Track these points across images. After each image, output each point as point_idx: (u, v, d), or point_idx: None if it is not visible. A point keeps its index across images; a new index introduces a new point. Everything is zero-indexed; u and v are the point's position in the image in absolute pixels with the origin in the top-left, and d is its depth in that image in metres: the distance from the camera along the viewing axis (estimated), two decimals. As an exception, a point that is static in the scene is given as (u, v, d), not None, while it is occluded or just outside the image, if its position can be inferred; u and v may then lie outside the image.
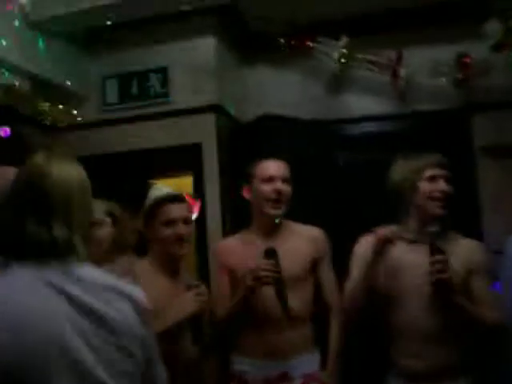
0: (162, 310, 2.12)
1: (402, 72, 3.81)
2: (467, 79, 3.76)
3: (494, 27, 3.34)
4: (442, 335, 2.22)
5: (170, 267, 2.40)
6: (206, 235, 3.70)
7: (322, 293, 2.59)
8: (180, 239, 2.34)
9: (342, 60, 3.90)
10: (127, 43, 3.97)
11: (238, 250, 2.56)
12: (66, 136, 3.91)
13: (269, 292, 2.42)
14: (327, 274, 2.60)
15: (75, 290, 1.28)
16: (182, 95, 3.87)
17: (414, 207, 2.35)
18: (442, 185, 2.28)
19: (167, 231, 2.34)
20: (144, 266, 2.38)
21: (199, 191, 3.75)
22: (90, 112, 4.03)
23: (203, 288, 2.31)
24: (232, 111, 4.03)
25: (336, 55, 3.89)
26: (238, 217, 3.65)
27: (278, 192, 2.47)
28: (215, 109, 3.80)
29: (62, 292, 1.26)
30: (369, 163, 3.97)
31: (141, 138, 3.86)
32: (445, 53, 3.87)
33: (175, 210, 2.37)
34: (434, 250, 2.12)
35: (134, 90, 3.94)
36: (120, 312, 1.33)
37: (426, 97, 4.06)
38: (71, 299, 1.26)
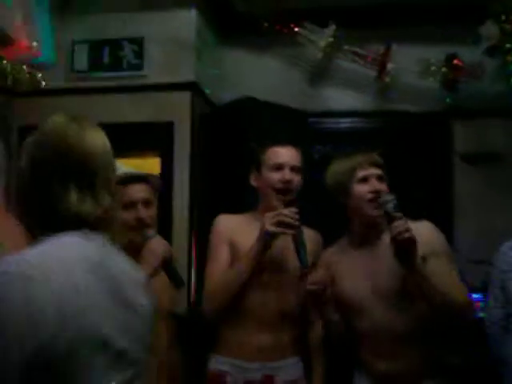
0: None
1: (389, 66, 3.67)
2: (455, 82, 3.66)
3: (489, 30, 3.22)
4: (411, 335, 2.10)
5: (131, 255, 2.19)
6: (172, 224, 3.50)
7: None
8: (140, 223, 2.14)
9: (328, 49, 3.74)
10: (102, 7, 3.73)
11: (243, 227, 2.31)
12: (28, 102, 3.66)
13: (263, 284, 2.23)
14: None
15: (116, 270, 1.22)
16: (157, 69, 3.65)
17: (352, 211, 2.23)
18: (375, 184, 2.15)
19: (126, 215, 2.14)
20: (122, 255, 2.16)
21: (167, 174, 3.54)
22: (56, 78, 3.74)
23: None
24: (208, 91, 3.83)
25: (322, 43, 3.74)
26: (207, 206, 3.46)
27: (287, 181, 2.26)
28: (191, 87, 3.61)
29: (104, 274, 1.18)
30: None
31: (108, 111, 3.61)
32: (435, 53, 3.78)
33: (135, 192, 2.16)
34: (390, 218, 1.98)
35: (106, 58, 3.71)
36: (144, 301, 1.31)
37: (409, 97, 3.98)
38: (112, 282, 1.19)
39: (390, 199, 2.04)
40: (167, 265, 2.03)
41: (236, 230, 2.30)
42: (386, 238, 2.12)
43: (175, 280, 2.05)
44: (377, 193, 2.12)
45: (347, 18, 3.81)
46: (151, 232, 2.11)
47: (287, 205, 2.17)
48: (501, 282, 2.59)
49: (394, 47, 3.73)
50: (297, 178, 2.29)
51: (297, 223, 2.11)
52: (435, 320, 2.12)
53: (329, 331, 2.31)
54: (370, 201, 2.12)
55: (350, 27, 3.80)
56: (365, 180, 2.16)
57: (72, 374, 1.05)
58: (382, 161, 2.23)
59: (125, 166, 2.27)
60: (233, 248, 2.29)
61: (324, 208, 3.75)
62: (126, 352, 1.18)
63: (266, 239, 2.13)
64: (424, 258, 2.03)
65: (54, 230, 1.16)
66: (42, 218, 1.19)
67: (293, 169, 2.28)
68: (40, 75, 3.23)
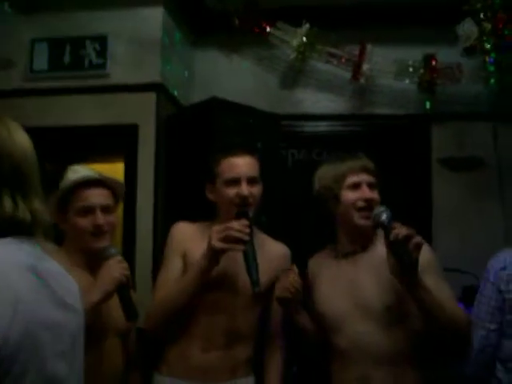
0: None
1: (365, 67, 3.52)
2: (433, 84, 3.53)
3: (467, 29, 3.09)
4: (395, 355, 1.93)
5: (88, 262, 2.05)
6: (135, 233, 3.31)
7: (268, 316, 2.22)
8: (98, 230, 2.00)
9: (301, 49, 3.59)
10: (63, 4, 3.54)
11: (198, 236, 2.12)
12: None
13: (209, 297, 2.05)
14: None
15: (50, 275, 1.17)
16: (121, 69, 3.47)
17: (340, 219, 2.09)
18: (366, 192, 2.00)
19: (82, 221, 2.00)
20: (59, 261, 1.98)
21: (131, 180, 3.35)
22: (14, 78, 3.57)
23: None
24: (175, 93, 3.66)
25: (295, 43, 3.58)
26: (173, 211, 3.27)
27: (242, 198, 2.05)
28: (157, 88, 3.43)
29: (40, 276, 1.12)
30: (318, 164, 3.72)
31: (69, 113, 3.44)
32: (412, 54, 3.66)
33: (93, 196, 2.02)
34: (387, 230, 1.83)
35: (67, 57, 3.50)
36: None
37: (386, 99, 3.87)
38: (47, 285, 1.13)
39: (382, 211, 1.90)
40: (121, 292, 1.90)
41: (191, 240, 2.11)
42: (375, 250, 1.99)
43: (127, 311, 1.91)
44: (367, 201, 1.98)
45: (321, 18, 3.67)
46: (113, 250, 1.98)
47: (237, 217, 1.99)
48: (500, 302, 2.23)
49: (370, 48, 3.60)
50: (255, 190, 2.10)
51: (247, 238, 1.92)
52: (428, 340, 1.96)
53: (301, 341, 2.16)
54: (360, 209, 1.98)
55: (324, 27, 3.65)
56: (355, 187, 2.01)
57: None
58: (375, 166, 2.07)
59: (85, 168, 2.11)
60: (185, 259, 2.11)
61: (299, 216, 3.66)
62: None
63: (213, 256, 1.94)
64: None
65: None
66: None
67: (250, 180, 2.08)
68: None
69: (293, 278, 1.96)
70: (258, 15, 3.71)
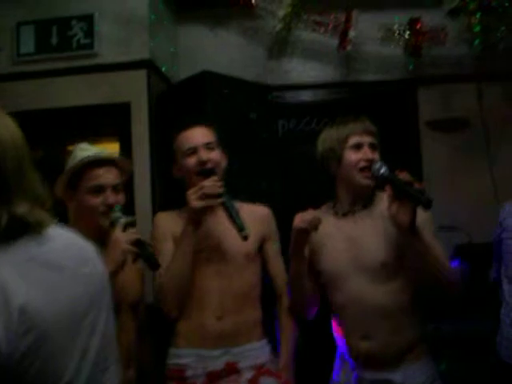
0: None
1: (351, 34, 3.55)
2: (418, 47, 3.56)
3: (451, -11, 3.13)
4: (394, 310, 2.00)
5: (96, 241, 2.04)
6: (134, 210, 3.30)
7: (270, 275, 2.31)
8: (109, 209, 2.00)
9: (287, 19, 3.60)
10: (47, -16, 3.50)
11: (181, 222, 2.16)
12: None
13: (210, 267, 2.14)
14: (275, 255, 2.32)
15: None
16: (109, 48, 3.46)
17: (341, 179, 2.14)
18: (367, 153, 2.05)
19: (94, 200, 2.00)
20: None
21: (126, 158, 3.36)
22: (2, 63, 3.55)
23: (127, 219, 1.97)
24: (164, 69, 3.66)
25: (280, 13, 3.58)
26: (170, 189, 3.30)
27: (203, 162, 2.13)
28: (146, 65, 3.43)
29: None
30: (308, 133, 3.76)
31: (59, 95, 3.43)
32: (396, 18, 3.66)
33: (104, 176, 2.02)
34: (389, 181, 1.89)
35: (54, 39, 3.49)
36: None
37: (373, 65, 3.89)
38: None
39: (380, 165, 1.96)
40: (139, 248, 1.89)
41: (176, 225, 2.15)
42: (374, 209, 2.04)
43: (150, 264, 1.92)
44: (369, 161, 2.02)
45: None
46: (117, 214, 1.98)
47: (206, 175, 2.06)
48: None
49: (355, 14, 3.61)
50: (214, 155, 2.17)
51: (220, 190, 2.01)
52: (422, 292, 2.03)
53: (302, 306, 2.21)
54: (362, 169, 2.03)
55: (308, -6, 3.65)
56: (357, 147, 2.06)
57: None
58: (376, 128, 2.12)
59: (93, 146, 2.13)
60: (176, 242, 2.16)
61: (292, 184, 3.72)
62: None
63: (194, 217, 2.03)
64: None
65: None
66: None
67: (207, 147, 2.16)
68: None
69: (312, 213, 2.02)
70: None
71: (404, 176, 1.83)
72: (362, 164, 2.03)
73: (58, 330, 1.02)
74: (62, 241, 1.15)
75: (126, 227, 1.92)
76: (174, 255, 2.08)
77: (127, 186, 3.26)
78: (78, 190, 2.03)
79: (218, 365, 2.09)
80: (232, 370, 2.09)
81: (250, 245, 2.17)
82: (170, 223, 2.21)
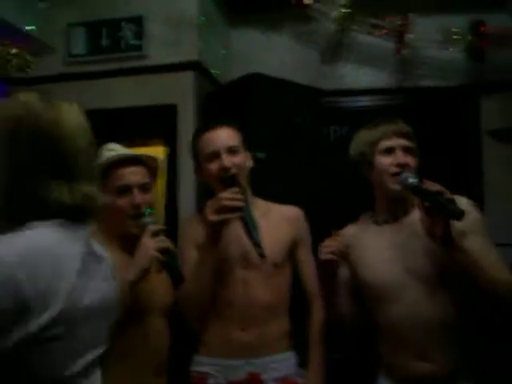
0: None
1: (408, 38, 3.38)
2: (482, 52, 3.36)
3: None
4: (448, 325, 1.85)
5: (124, 243, 2.00)
6: (177, 216, 3.27)
7: (301, 282, 2.20)
8: (137, 210, 1.94)
9: (341, 21, 3.47)
10: (97, -14, 3.52)
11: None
12: (26, 90, 3.46)
13: (236, 275, 2.05)
14: (307, 260, 2.20)
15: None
16: (158, 49, 3.43)
17: (375, 185, 2.02)
18: (399, 157, 1.91)
19: (120, 200, 1.95)
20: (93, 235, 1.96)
21: (171, 162, 3.32)
22: (53, 64, 3.57)
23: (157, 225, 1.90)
24: (213, 71, 3.60)
25: (335, 15, 3.46)
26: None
27: (226, 169, 2.01)
28: (194, 66, 3.38)
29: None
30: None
31: (108, 96, 3.43)
32: (458, 20, 3.48)
33: (129, 175, 1.97)
34: (417, 191, 1.77)
35: (104, 40, 3.49)
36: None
37: (431, 70, 3.70)
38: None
39: (408, 174, 1.83)
40: (165, 257, 1.81)
41: (201, 231, 2.02)
42: (416, 214, 1.87)
43: (172, 277, 1.84)
44: (401, 166, 1.89)
45: (362, -13, 3.54)
46: (148, 219, 1.90)
47: (226, 185, 1.94)
48: None
49: (413, 16, 3.44)
50: (238, 159, 2.04)
51: (240, 204, 1.87)
52: (476, 307, 1.87)
53: (339, 324, 2.08)
54: (394, 175, 1.90)
55: (364, -4, 3.52)
56: (389, 151, 1.93)
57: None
58: (411, 130, 1.98)
59: (120, 146, 2.07)
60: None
61: (340, 189, 3.57)
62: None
63: (213, 231, 1.91)
64: (462, 234, 1.78)
65: (32, 218, 1.10)
66: (20, 207, 1.12)
67: (230, 150, 2.03)
68: (31, 59, 3.03)
69: (338, 240, 1.91)
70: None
71: (433, 186, 1.69)
72: (394, 169, 1.90)
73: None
74: None
75: (155, 234, 1.85)
76: (194, 269, 1.98)
77: (171, 190, 3.27)
78: (104, 191, 1.97)
79: (239, 375, 2.02)
80: (255, 380, 2.01)
81: (278, 251, 2.07)
82: (194, 229, 2.11)
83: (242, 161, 2.06)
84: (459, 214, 1.61)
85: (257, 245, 1.88)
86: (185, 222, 2.24)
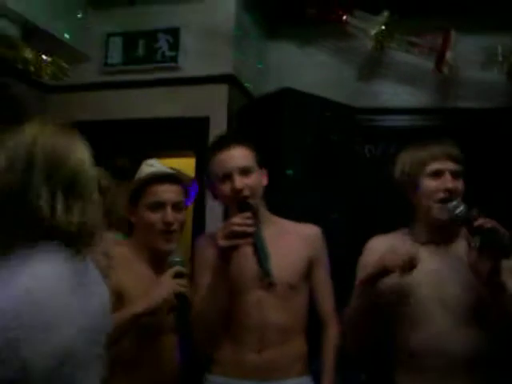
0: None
1: (449, 56, 3.29)
2: (524, 73, 3.25)
3: None
4: (472, 358, 1.75)
5: (153, 259, 2.01)
6: (205, 229, 3.24)
7: (316, 303, 2.12)
8: (167, 227, 1.95)
9: (380, 38, 3.40)
10: (136, -2, 3.55)
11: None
12: (62, 97, 3.54)
13: (250, 296, 1.98)
14: (323, 280, 2.12)
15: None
16: (193, 61, 3.43)
17: (419, 208, 1.93)
18: (448, 181, 1.82)
19: (153, 216, 1.96)
20: (121, 248, 2.00)
21: (201, 175, 3.27)
22: (89, 72, 3.61)
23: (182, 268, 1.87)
24: (248, 85, 3.58)
25: (373, 32, 3.40)
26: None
27: (238, 191, 1.95)
28: (229, 79, 3.37)
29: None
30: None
31: (142, 106, 3.45)
32: (501, 40, 3.38)
33: (165, 192, 1.98)
34: (465, 222, 1.68)
35: (140, 51, 3.51)
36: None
37: (472, 91, 3.59)
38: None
39: (457, 204, 1.75)
40: (179, 303, 1.80)
41: (213, 254, 1.96)
42: (459, 244, 1.80)
43: (178, 322, 1.87)
44: (450, 192, 1.81)
45: (401, 4, 3.44)
46: (177, 258, 1.89)
47: (240, 209, 1.89)
48: None
49: (454, 35, 3.35)
50: (251, 180, 1.98)
51: (250, 230, 1.81)
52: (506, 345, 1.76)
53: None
54: (441, 201, 1.81)
55: (404, 14, 3.43)
56: (437, 175, 1.85)
57: None
58: (460, 153, 1.89)
59: (159, 163, 2.09)
60: None
61: (374, 209, 3.49)
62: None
63: (222, 255, 1.85)
64: (509, 272, 1.69)
65: (30, 239, 1.14)
66: (21, 227, 1.16)
67: (243, 171, 1.97)
68: (66, 66, 3.06)
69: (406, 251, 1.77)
70: (334, 3, 3.55)
71: (486, 221, 1.60)
72: (441, 195, 1.82)
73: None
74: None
75: (178, 276, 1.83)
76: (206, 292, 1.93)
77: (199, 206, 3.23)
78: (139, 206, 1.99)
79: None
80: None
81: (294, 272, 2.02)
82: (208, 250, 2.05)
83: (256, 181, 2.00)
84: (509, 252, 1.54)
85: (266, 273, 1.85)
86: (199, 242, 2.18)
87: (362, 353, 2.01)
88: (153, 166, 2.05)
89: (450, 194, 1.81)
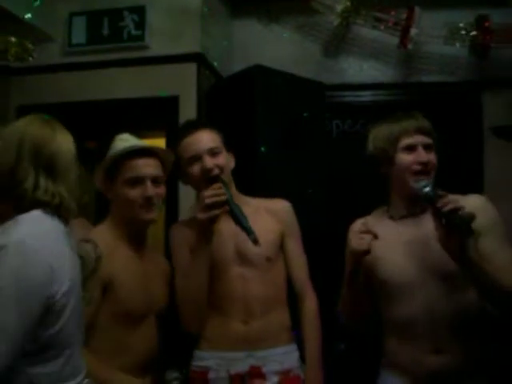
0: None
1: (413, 32, 3.35)
2: (486, 48, 3.32)
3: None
4: (466, 324, 1.82)
5: (134, 235, 1.99)
6: (178, 210, 3.25)
7: (290, 275, 2.19)
8: (148, 202, 1.92)
9: (345, 14, 3.43)
10: (99, -25, 3.47)
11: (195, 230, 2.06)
12: (25, 79, 3.46)
13: (232, 272, 2.05)
14: (296, 252, 2.19)
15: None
16: (160, 40, 3.39)
17: (394, 182, 1.97)
18: (421, 155, 1.87)
19: (132, 192, 1.91)
20: (101, 233, 1.95)
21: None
22: (53, 53, 3.53)
23: None
24: (215, 63, 3.56)
25: (338, 8, 3.42)
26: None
27: (207, 171, 1.99)
28: (197, 58, 3.34)
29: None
30: (364, 135, 3.59)
31: (108, 87, 3.39)
32: (463, 16, 3.45)
33: (143, 166, 1.93)
34: (432, 200, 1.72)
35: (105, 30, 3.44)
36: None
37: (435, 66, 3.69)
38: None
39: (426, 184, 1.78)
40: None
41: (192, 235, 2.02)
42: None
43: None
44: (423, 164, 1.85)
45: (366, -20, 3.50)
46: (174, 374, 2.05)
47: (208, 183, 1.94)
48: None
49: (418, 10, 3.41)
50: (220, 160, 2.03)
51: (223, 198, 1.87)
52: (485, 307, 1.82)
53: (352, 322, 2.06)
54: (416, 173, 1.85)
55: (369, -11, 3.48)
56: (410, 149, 1.88)
57: None
58: (431, 126, 1.93)
59: (133, 137, 2.03)
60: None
61: (343, 183, 3.55)
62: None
63: (203, 229, 1.91)
64: (477, 233, 1.72)
65: (24, 210, 1.42)
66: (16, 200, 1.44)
67: (212, 152, 2.02)
68: (32, 47, 2.99)
69: (367, 231, 1.83)
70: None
71: (445, 202, 1.65)
72: (416, 167, 1.86)
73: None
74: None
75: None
76: (188, 268, 1.97)
77: (171, 185, 3.22)
78: (116, 182, 1.95)
79: (241, 367, 2.01)
80: (256, 373, 2.01)
81: (270, 245, 2.08)
82: (185, 232, 2.10)
83: (224, 162, 2.05)
84: (468, 232, 1.60)
85: (249, 231, 1.86)
86: (174, 227, 2.21)
87: (361, 325, 2.07)
88: (128, 140, 1.99)
89: (426, 167, 1.85)
